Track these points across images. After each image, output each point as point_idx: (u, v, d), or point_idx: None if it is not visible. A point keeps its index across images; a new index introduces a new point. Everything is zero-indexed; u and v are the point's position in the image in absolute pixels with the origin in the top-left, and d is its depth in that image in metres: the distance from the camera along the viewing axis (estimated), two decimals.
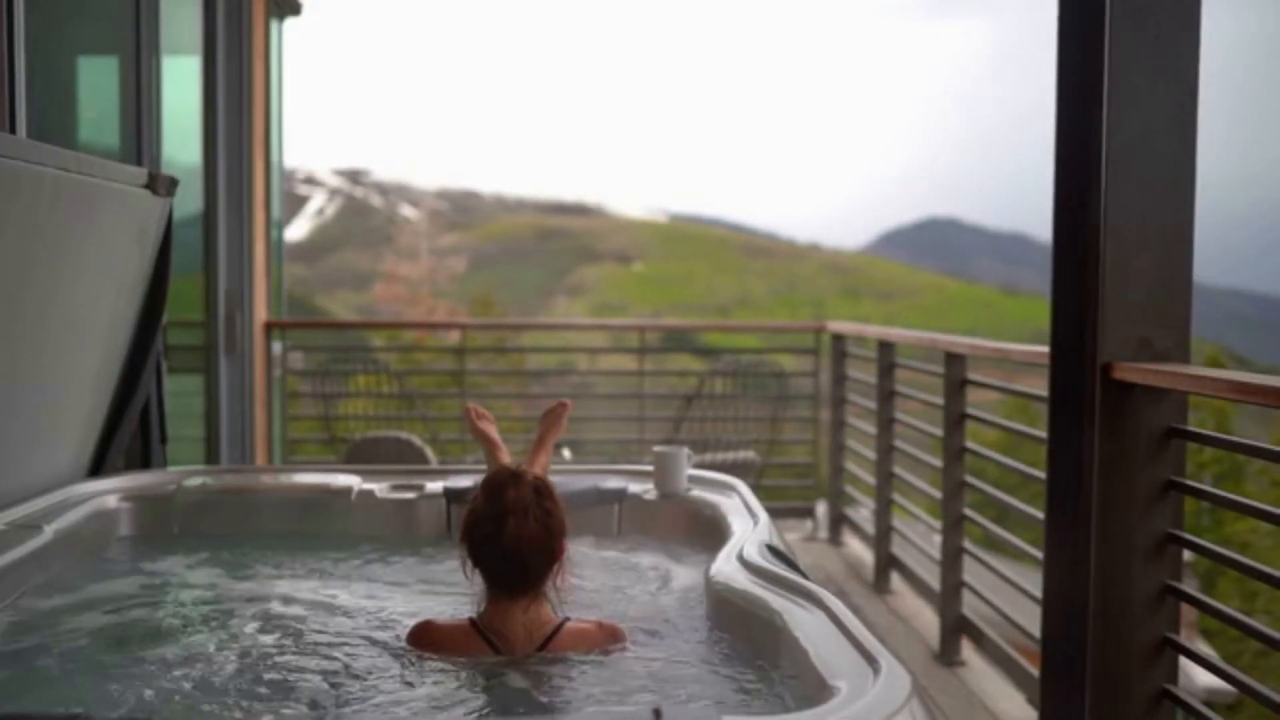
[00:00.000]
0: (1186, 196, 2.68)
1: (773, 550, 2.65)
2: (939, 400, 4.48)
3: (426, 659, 2.26)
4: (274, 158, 6.32)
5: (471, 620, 2.30)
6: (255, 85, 5.93)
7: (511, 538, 2.24)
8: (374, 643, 2.39)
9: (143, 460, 3.76)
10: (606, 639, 2.32)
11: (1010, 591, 4.02)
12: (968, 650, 4.29)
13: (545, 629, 2.27)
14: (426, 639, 2.31)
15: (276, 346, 6.44)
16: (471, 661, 2.23)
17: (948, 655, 4.29)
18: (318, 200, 51.84)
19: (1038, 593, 3.00)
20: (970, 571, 4.31)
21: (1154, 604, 2.65)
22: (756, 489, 3.67)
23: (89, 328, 3.29)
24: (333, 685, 2.16)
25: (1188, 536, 2.64)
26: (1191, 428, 2.68)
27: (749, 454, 6.07)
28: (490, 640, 2.25)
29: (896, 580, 5.28)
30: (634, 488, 3.49)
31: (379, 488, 3.49)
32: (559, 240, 51.40)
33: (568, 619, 2.32)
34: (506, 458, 3.33)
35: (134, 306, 3.52)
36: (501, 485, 2.30)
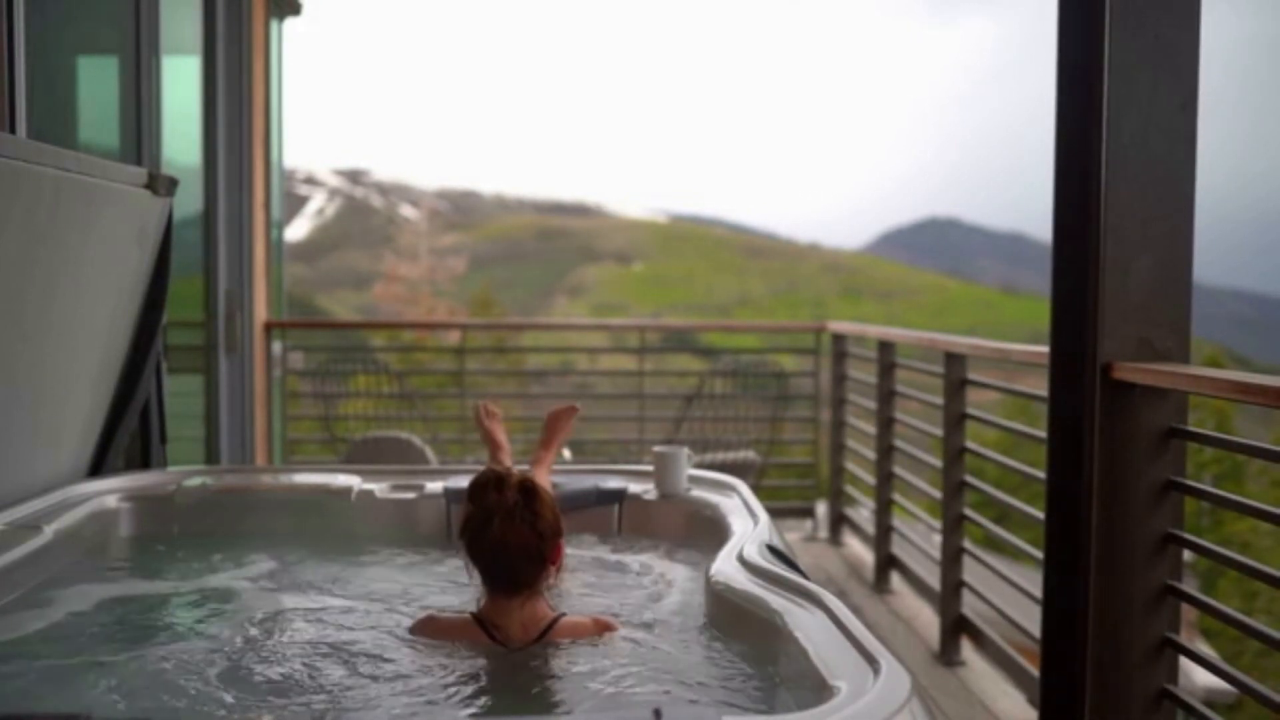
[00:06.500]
0: (1186, 196, 2.68)
1: (773, 550, 2.65)
2: (939, 400, 4.48)
3: (427, 651, 2.30)
4: (274, 157, 6.32)
5: (472, 614, 2.35)
6: (255, 85, 5.93)
7: (497, 539, 2.27)
8: (373, 643, 2.39)
9: (143, 460, 3.76)
10: (600, 632, 2.36)
11: (1010, 591, 4.02)
12: (968, 650, 4.29)
13: (541, 624, 2.31)
14: (428, 631, 2.37)
15: (276, 346, 6.44)
16: (470, 649, 2.28)
17: (948, 655, 4.28)
18: (318, 200, 51.92)
19: (1038, 593, 3.00)
20: (970, 571, 4.31)
21: (1154, 604, 2.65)
22: (756, 489, 3.67)
23: (89, 328, 3.29)
24: (332, 686, 2.16)
25: (1188, 536, 2.64)
26: (1191, 428, 2.68)
27: (749, 454, 6.08)
28: (490, 632, 2.30)
29: (896, 580, 5.28)
30: (634, 488, 3.49)
31: (379, 488, 3.49)
32: (559, 240, 51.46)
33: (563, 614, 2.36)
34: (508, 459, 3.34)
35: (134, 306, 3.52)
36: (483, 487, 2.32)
